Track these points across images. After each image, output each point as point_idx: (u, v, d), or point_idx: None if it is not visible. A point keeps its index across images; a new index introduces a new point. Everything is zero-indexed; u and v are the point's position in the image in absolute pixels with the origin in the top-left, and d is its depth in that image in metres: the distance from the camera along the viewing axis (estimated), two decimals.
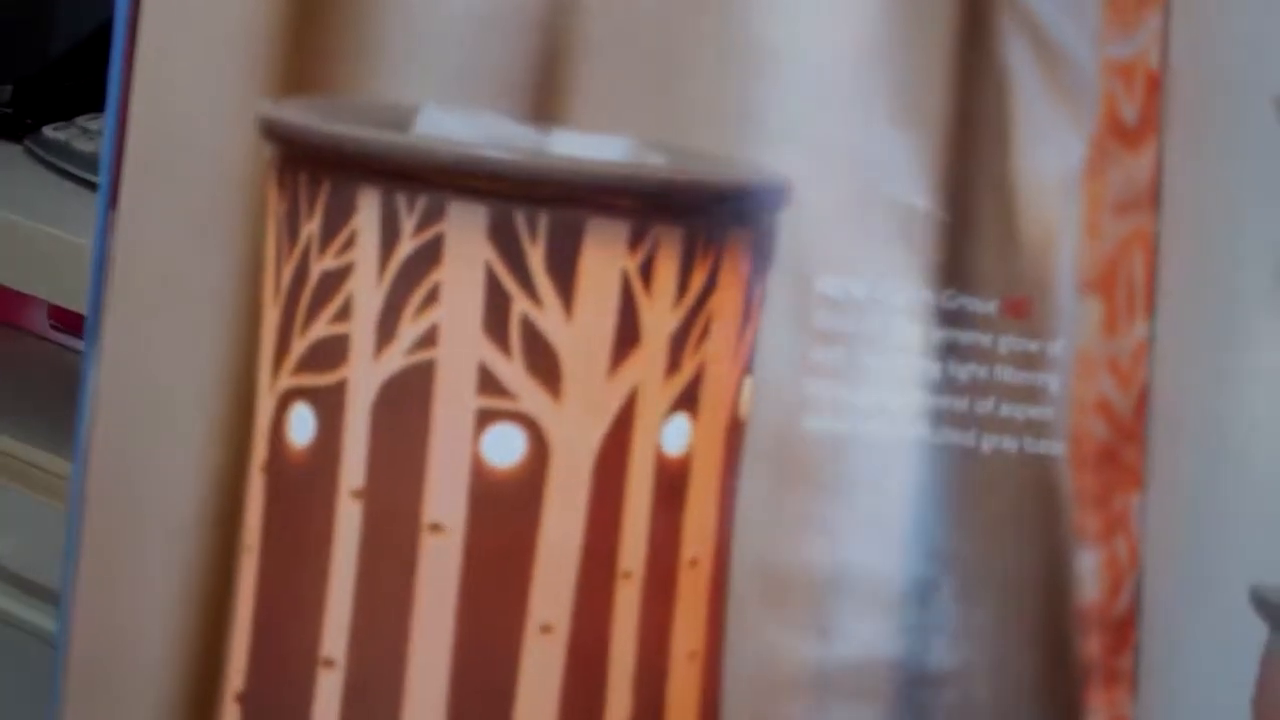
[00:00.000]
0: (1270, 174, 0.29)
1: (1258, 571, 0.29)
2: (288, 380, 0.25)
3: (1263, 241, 0.29)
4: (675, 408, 0.26)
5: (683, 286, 0.26)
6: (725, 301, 0.26)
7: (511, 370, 0.25)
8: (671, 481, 0.26)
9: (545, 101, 0.26)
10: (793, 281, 0.27)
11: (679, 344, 0.26)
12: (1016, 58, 0.29)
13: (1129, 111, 0.31)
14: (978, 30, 0.29)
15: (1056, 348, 0.30)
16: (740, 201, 0.27)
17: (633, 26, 0.26)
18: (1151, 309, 0.31)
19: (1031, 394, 0.29)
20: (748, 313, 0.27)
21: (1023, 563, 0.29)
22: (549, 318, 0.25)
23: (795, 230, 0.27)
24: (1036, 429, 0.29)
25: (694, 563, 0.26)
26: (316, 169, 0.25)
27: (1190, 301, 0.30)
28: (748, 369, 0.27)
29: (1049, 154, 0.30)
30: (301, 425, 0.25)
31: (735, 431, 0.27)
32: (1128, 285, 0.31)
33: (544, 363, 0.25)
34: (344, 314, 0.25)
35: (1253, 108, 0.29)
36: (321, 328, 0.25)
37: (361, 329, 0.25)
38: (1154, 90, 0.31)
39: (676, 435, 0.26)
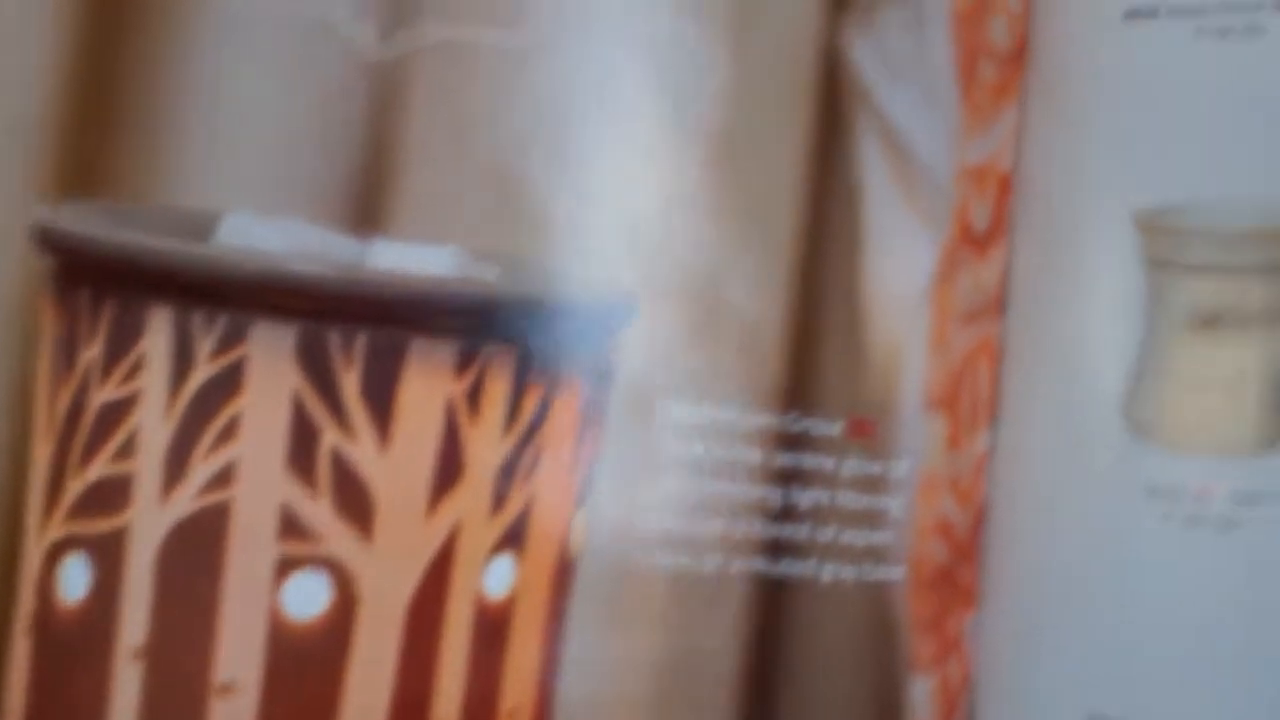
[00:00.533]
0: (1120, 279, 0.28)
1: (1094, 695, 0.29)
2: (60, 528, 0.22)
3: (1109, 349, 0.29)
4: (499, 547, 0.24)
5: (513, 414, 0.24)
6: (559, 430, 0.24)
7: (317, 510, 0.22)
8: (492, 627, 0.24)
9: (366, 210, 0.24)
10: (632, 405, 0.25)
11: (506, 477, 0.24)
12: (871, 165, 0.28)
13: (980, 216, 0.30)
14: (832, 138, 0.27)
15: (900, 469, 0.28)
16: (579, 320, 0.25)
17: (462, 131, 0.24)
18: (993, 419, 0.30)
19: (872, 519, 0.28)
20: (583, 441, 0.25)
21: (855, 695, 0.28)
22: (362, 450, 0.23)
23: (635, 350, 0.25)
24: (876, 555, 0.28)
25: (513, 713, 0.24)
26: (100, 284, 0.22)
27: (1031, 412, 0.29)
28: (580, 502, 0.25)
29: (900, 265, 0.28)
30: (74, 579, 0.22)
31: (564, 570, 0.25)
32: (972, 397, 0.30)
33: (355, 501, 0.23)
34: (127, 450, 0.22)
35: (1106, 213, 0.29)
36: (101, 466, 0.22)
37: (147, 467, 0.22)
38: (1005, 193, 0.30)
39: (499, 577, 0.24)
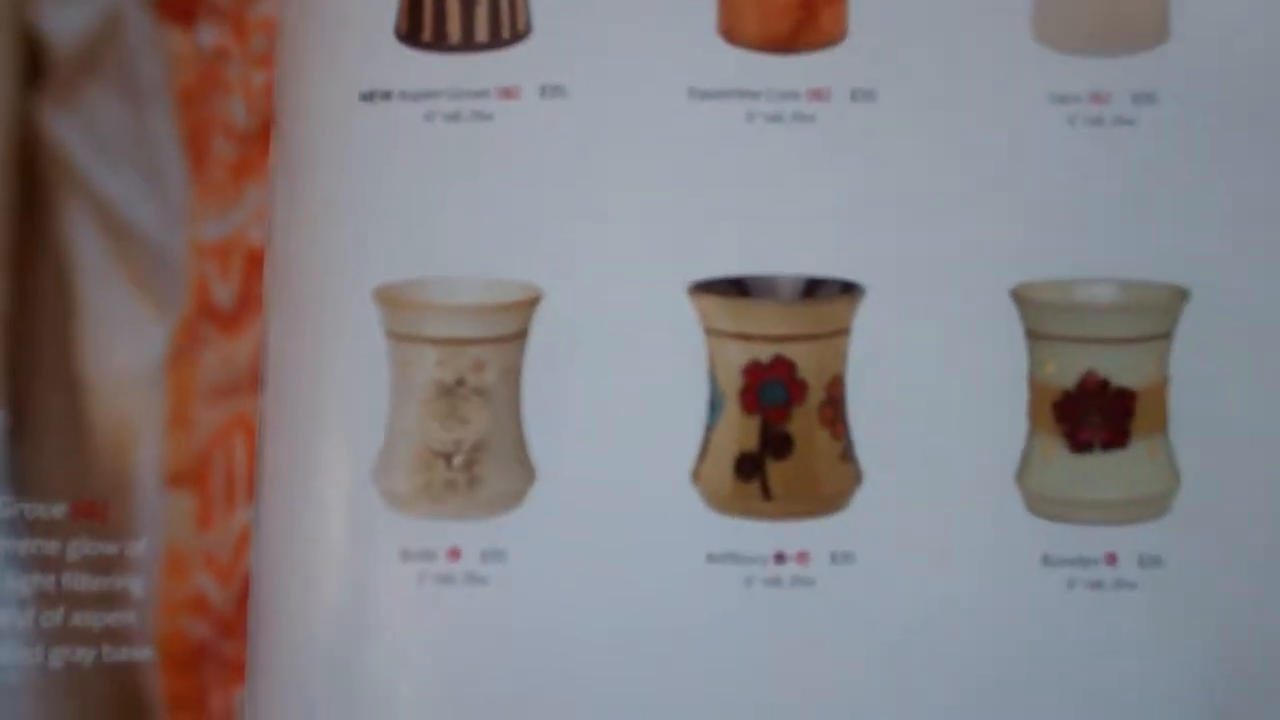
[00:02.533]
0: (366, 352, 0.29)
1: None
2: None
3: (359, 421, 0.29)
4: None
5: None
6: None
7: None
8: None
9: None
10: None
11: None
12: (84, 244, 0.28)
13: (225, 294, 0.30)
14: (35, 214, 0.27)
15: (139, 548, 0.28)
16: None
17: None
18: (254, 494, 0.30)
19: (110, 599, 0.28)
20: None
21: None
22: None
23: None
24: (116, 636, 0.28)
25: None
26: None
27: (292, 486, 0.30)
28: None
29: (125, 344, 0.28)
30: None
31: None
32: (226, 474, 0.30)
33: None
34: None
35: (350, 287, 0.29)
36: None
37: None
38: (255, 270, 0.30)
39: None
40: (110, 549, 0.28)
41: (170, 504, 0.29)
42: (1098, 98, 0.28)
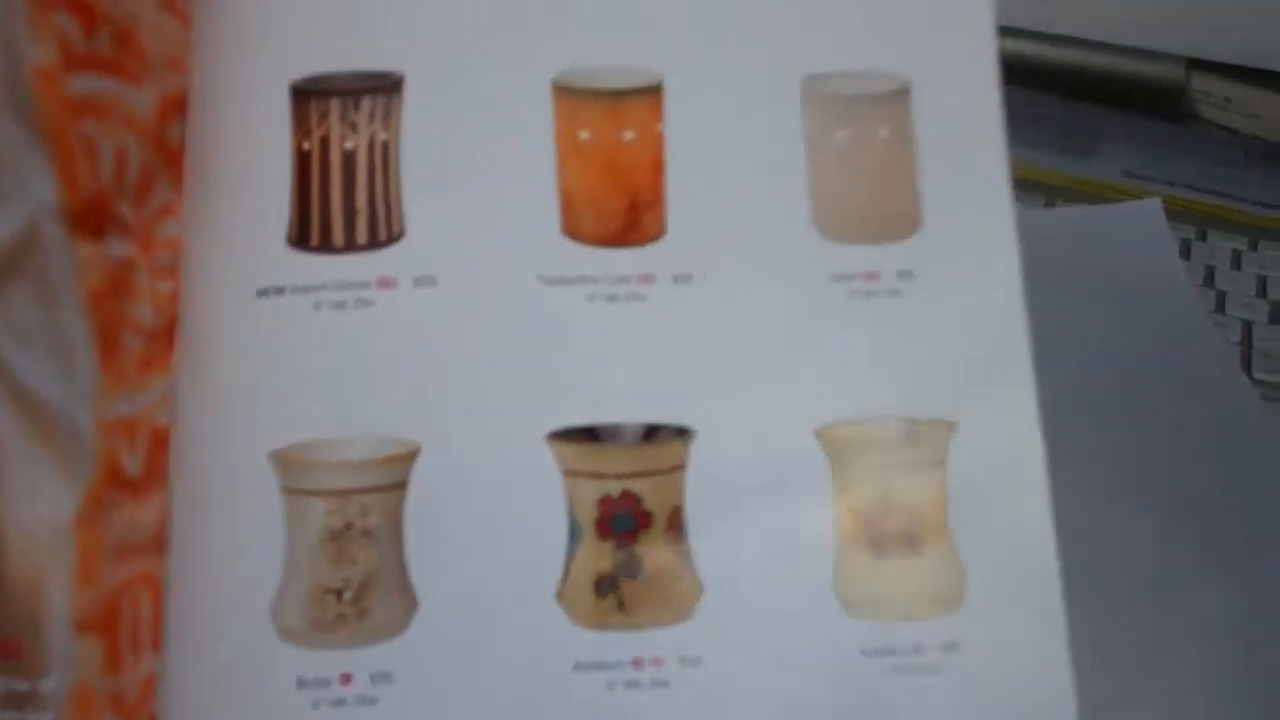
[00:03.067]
0: (262, 508, 0.33)
1: None
2: None
3: (257, 569, 0.33)
4: None
5: None
6: None
7: None
8: None
9: None
10: None
11: None
12: (1, 415, 0.31)
13: (132, 464, 0.34)
14: None
15: (48, 684, 0.30)
16: None
17: None
18: (160, 642, 0.33)
19: None
20: None
21: None
22: None
23: None
24: None
25: None
26: None
27: (195, 634, 0.33)
28: None
29: (37, 505, 0.31)
30: None
31: None
32: (132, 624, 0.33)
33: None
34: None
35: (248, 453, 0.33)
36: None
37: None
38: (161, 444, 0.34)
39: None
40: (23, 685, 0.30)
41: (79, 648, 0.31)
42: (869, 275, 0.35)
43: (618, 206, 0.36)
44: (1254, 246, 0.61)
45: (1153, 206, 0.61)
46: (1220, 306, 0.59)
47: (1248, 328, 0.58)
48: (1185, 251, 0.61)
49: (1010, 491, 0.34)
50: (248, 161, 0.36)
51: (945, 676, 0.33)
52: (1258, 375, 0.55)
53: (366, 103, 0.36)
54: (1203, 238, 0.61)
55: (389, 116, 0.36)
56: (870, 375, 0.35)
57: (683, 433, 0.34)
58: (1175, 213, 0.61)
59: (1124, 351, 0.54)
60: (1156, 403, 0.52)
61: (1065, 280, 0.54)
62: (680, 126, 0.36)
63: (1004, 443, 0.35)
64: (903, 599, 0.34)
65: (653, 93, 0.36)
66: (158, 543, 0.33)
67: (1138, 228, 0.59)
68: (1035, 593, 0.34)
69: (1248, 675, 0.45)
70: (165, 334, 0.35)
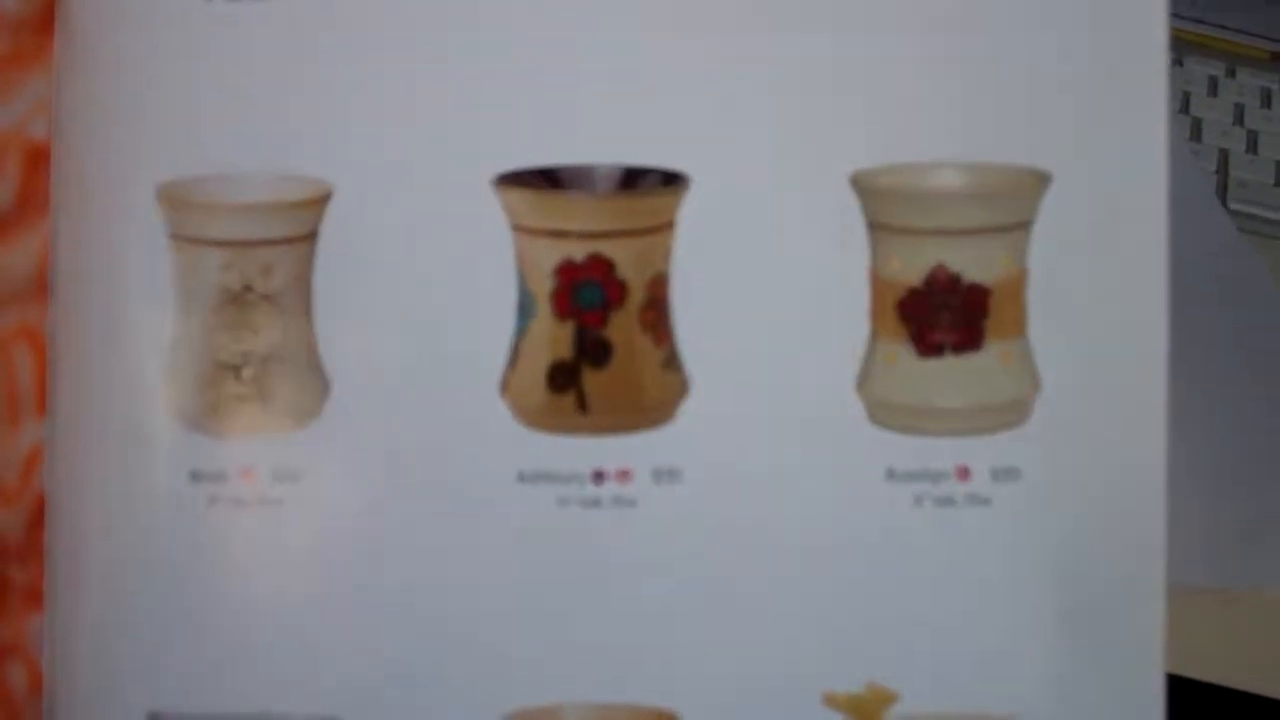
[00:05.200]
0: (150, 257, 0.27)
1: (156, 693, 0.27)
2: None
3: (146, 332, 0.27)
4: None
5: None
6: None
7: None
8: None
9: None
10: None
11: None
12: None
13: (3, 193, 0.27)
14: None
15: None
16: None
17: None
18: (46, 409, 0.28)
19: None
20: None
21: None
22: None
23: None
24: None
25: None
26: None
27: (83, 401, 0.27)
28: None
29: None
30: None
31: None
32: (10, 388, 0.27)
33: None
34: None
35: (134, 193, 0.27)
36: None
37: None
38: (37, 168, 0.28)
39: None
40: None
41: None
42: None
43: None
44: (1232, 74, 0.59)
45: None
46: (1196, 134, 0.56)
47: (1224, 156, 0.55)
48: None
49: (1115, 274, 0.25)
50: None
51: (997, 511, 0.26)
52: (1233, 205, 0.52)
53: None
54: (1179, 64, 0.59)
55: None
56: (931, 105, 0.25)
57: (673, 180, 0.26)
58: None
59: None
60: None
61: None
62: None
63: (1115, 204, 0.25)
64: (949, 408, 0.26)
65: None
66: (40, 288, 0.28)
67: None
68: (1129, 411, 0.25)
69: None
70: (41, 23, 0.28)
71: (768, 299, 0.26)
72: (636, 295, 0.26)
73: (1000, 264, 0.25)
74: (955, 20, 0.25)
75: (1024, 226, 0.25)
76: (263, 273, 0.26)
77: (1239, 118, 0.57)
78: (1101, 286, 0.25)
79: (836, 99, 0.25)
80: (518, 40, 0.26)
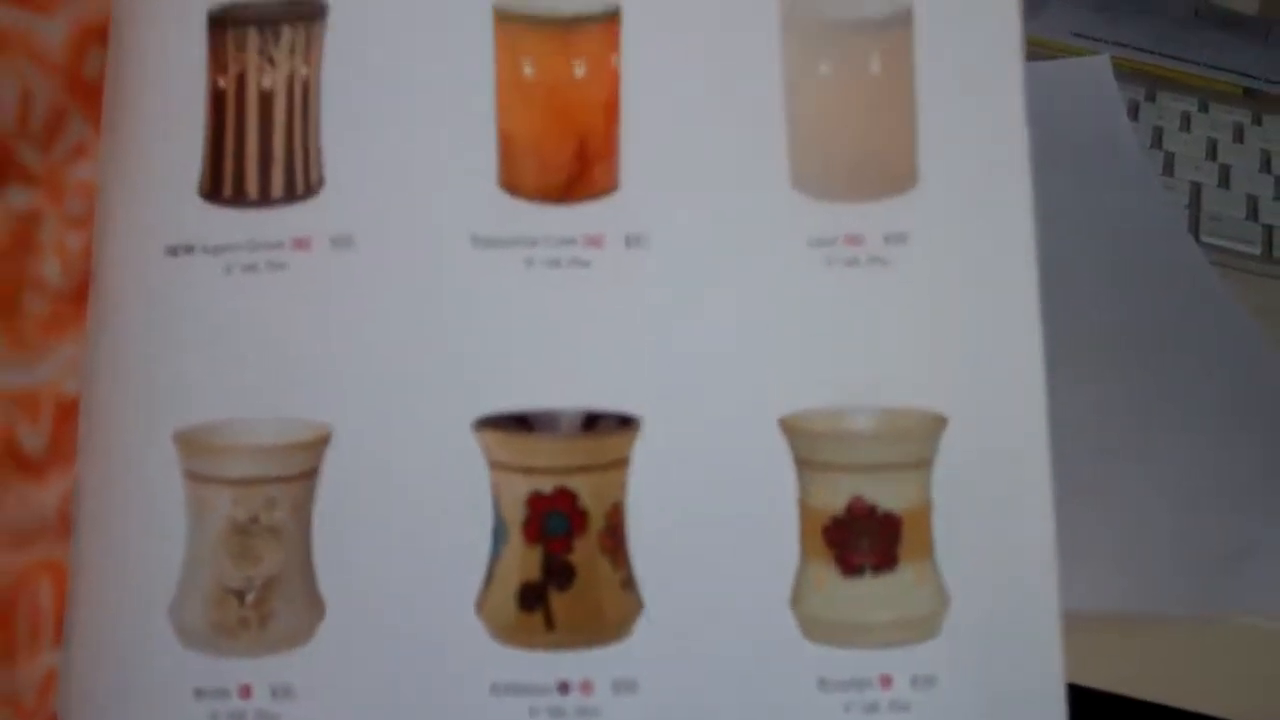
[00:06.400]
0: (166, 493, 0.30)
1: None
2: None
3: (159, 560, 0.30)
4: None
5: None
6: None
7: None
8: None
9: None
10: None
11: None
12: None
13: (32, 441, 0.31)
14: None
15: None
16: None
17: None
18: (63, 637, 0.30)
19: None
20: None
21: None
22: None
23: None
24: None
25: None
26: None
27: (96, 630, 0.30)
28: None
29: None
30: None
31: None
32: (30, 616, 0.30)
33: None
34: None
35: (152, 438, 0.30)
36: None
37: None
38: (68, 417, 0.31)
39: None
40: None
41: None
42: (852, 239, 0.30)
43: (564, 154, 0.31)
44: (1204, 108, 0.60)
45: (1101, 63, 0.59)
46: (1169, 169, 0.57)
47: (1196, 190, 0.56)
48: (1134, 113, 0.60)
49: (1007, 503, 0.29)
50: (164, 100, 0.32)
51: (916, 716, 0.29)
52: (1205, 239, 0.53)
53: (287, 33, 0.31)
54: (1152, 99, 0.60)
55: (310, 49, 0.31)
56: (847, 359, 0.30)
57: (627, 422, 0.30)
58: (1124, 74, 0.61)
59: (1068, 210, 0.49)
60: (1099, 264, 0.47)
61: None
62: (638, 61, 0.31)
63: (1003, 443, 0.30)
64: (871, 623, 0.29)
65: (608, 20, 0.31)
66: (63, 526, 0.31)
67: (1085, 85, 0.58)
68: (1029, 622, 0.29)
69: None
70: (76, 293, 0.32)
71: (710, 526, 0.29)
72: (597, 523, 0.30)
73: (910, 495, 0.29)
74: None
75: (927, 463, 0.29)
76: (267, 506, 0.30)
77: (1211, 152, 0.58)
78: (991, 518, 0.29)
79: (766, 353, 0.30)
80: (497, 310, 0.30)
